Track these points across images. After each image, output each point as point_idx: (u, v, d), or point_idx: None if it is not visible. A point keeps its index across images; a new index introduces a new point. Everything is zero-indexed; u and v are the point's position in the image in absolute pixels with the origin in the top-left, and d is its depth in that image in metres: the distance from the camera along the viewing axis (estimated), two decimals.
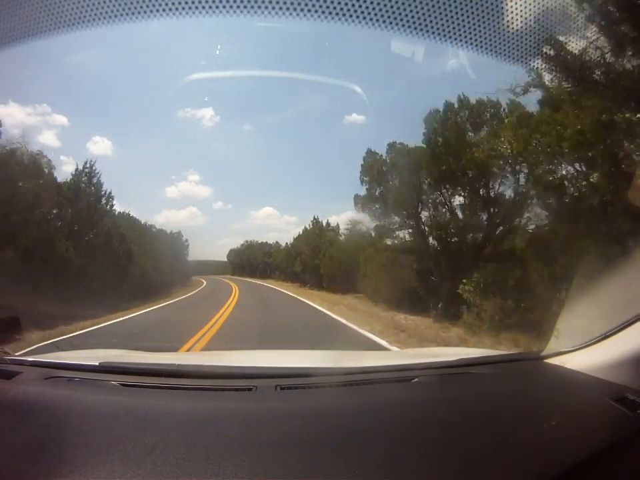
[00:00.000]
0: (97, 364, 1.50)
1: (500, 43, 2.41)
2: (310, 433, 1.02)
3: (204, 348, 5.71)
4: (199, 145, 44.76)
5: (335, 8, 2.12)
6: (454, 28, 2.27)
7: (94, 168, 15.91)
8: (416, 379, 1.43)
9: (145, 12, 2.17)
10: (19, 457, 0.91)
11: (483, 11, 2.30)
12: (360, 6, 2.14)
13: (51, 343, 5.99)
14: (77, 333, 7.53)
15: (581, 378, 1.36)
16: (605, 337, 1.36)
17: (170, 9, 2.13)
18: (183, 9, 2.12)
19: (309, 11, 2.13)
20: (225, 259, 54.82)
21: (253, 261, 45.17)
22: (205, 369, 1.63)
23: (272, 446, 0.95)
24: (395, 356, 2.80)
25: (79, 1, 2.15)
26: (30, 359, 1.60)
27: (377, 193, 13.28)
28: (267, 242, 42.49)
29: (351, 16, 2.15)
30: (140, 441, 0.96)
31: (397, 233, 12.71)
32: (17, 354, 1.77)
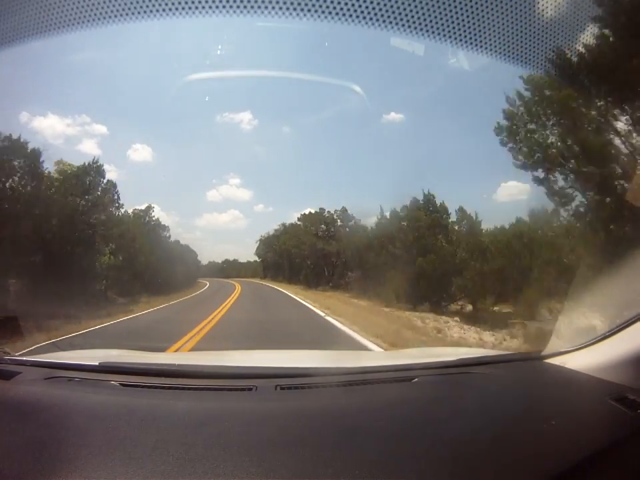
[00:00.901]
0: (97, 364, 1.50)
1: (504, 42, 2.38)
2: (310, 433, 1.02)
3: None
4: (239, 149, 45.57)
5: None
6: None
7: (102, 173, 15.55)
8: (416, 379, 1.42)
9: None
10: (19, 456, 0.91)
11: (484, 11, 2.29)
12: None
13: (51, 342, 5.98)
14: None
15: (581, 378, 1.36)
16: (605, 337, 1.36)
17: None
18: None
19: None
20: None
21: (294, 253, 27.89)
22: (205, 368, 1.63)
23: (272, 446, 0.95)
24: (394, 356, 2.79)
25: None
26: (30, 359, 1.61)
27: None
28: (323, 209, 27.62)
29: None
30: (140, 441, 0.96)
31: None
32: (17, 354, 1.77)
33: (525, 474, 0.90)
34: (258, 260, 43.40)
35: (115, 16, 2.20)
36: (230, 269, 51.10)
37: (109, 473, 0.85)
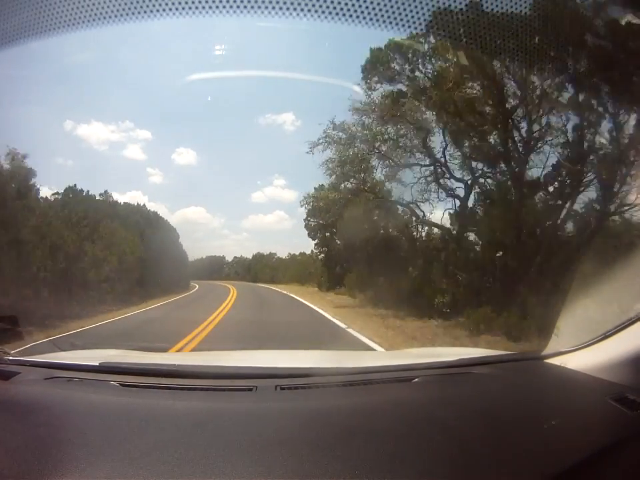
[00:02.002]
0: (97, 364, 1.50)
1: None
2: (310, 433, 1.02)
3: None
4: (283, 150, 43.63)
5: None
6: None
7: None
8: (416, 379, 1.42)
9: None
10: (19, 456, 0.91)
11: None
12: None
13: (49, 341, 5.97)
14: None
15: (581, 378, 1.36)
16: (605, 336, 1.36)
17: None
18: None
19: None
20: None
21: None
22: (205, 369, 1.63)
23: (272, 446, 0.94)
24: (395, 356, 2.79)
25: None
26: (30, 359, 1.60)
27: None
28: None
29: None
30: (140, 441, 0.95)
31: None
32: (13, 352, 1.77)
33: (525, 474, 0.90)
34: (316, 251, 21.24)
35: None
36: (261, 268, 37.47)
37: (109, 472, 0.85)
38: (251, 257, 41.91)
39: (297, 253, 29.88)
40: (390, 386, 1.43)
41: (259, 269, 37.99)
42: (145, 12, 2.19)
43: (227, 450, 0.92)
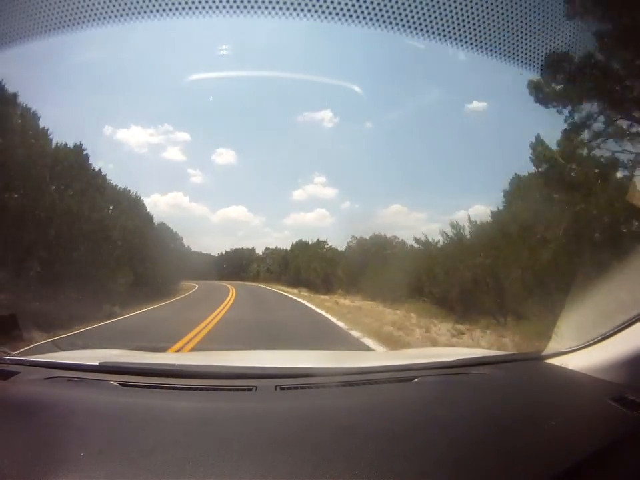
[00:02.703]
0: (97, 364, 1.50)
1: (500, 43, 2.41)
2: (310, 433, 1.02)
3: None
4: (322, 147, 44.42)
5: None
6: None
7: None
8: (416, 379, 1.42)
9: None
10: (19, 456, 0.91)
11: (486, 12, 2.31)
12: None
13: (50, 341, 5.96)
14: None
15: (581, 378, 1.36)
16: (605, 337, 1.36)
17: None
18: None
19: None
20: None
21: None
22: (205, 369, 1.63)
23: (272, 446, 0.94)
24: (394, 356, 2.79)
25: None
26: (30, 358, 1.60)
27: None
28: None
29: None
30: (140, 441, 0.95)
31: None
32: (14, 353, 1.77)
33: (524, 474, 0.90)
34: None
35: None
36: (306, 263, 24.29)
37: (109, 472, 0.85)
38: (289, 247, 31.59)
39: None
40: (390, 386, 1.43)
41: (303, 264, 24.67)
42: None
43: (227, 450, 0.92)
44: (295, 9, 2.16)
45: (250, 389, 1.31)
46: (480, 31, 2.34)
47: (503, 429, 1.09)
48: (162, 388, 1.32)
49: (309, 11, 2.16)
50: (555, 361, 1.52)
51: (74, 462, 0.87)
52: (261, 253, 43.67)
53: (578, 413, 1.19)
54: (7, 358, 1.57)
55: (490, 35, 2.35)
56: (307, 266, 23.85)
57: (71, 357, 1.91)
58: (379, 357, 2.87)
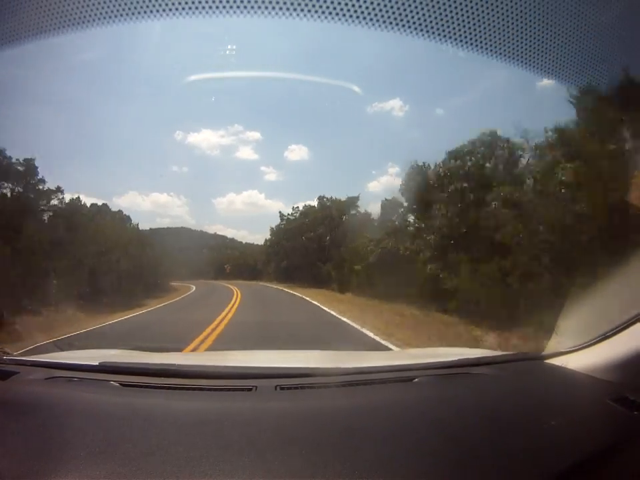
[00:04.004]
0: (97, 364, 1.50)
1: (495, 41, 2.40)
2: (310, 433, 1.02)
3: None
4: (393, 137, 41.91)
5: None
6: None
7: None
8: (416, 379, 1.42)
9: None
10: (19, 456, 0.91)
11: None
12: None
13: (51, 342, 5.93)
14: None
15: (581, 378, 1.36)
16: (605, 337, 1.36)
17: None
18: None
19: None
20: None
21: None
22: (205, 369, 1.63)
23: (272, 446, 0.94)
24: (395, 356, 2.79)
25: None
26: (30, 358, 1.61)
27: None
28: None
29: None
30: (140, 441, 0.95)
31: None
32: (14, 353, 1.77)
33: (525, 474, 0.90)
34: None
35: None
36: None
37: (109, 473, 0.85)
38: None
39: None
40: (390, 386, 1.43)
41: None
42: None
43: (227, 450, 0.92)
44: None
45: (250, 389, 1.31)
46: (487, 32, 2.32)
47: (503, 428, 1.09)
48: (162, 388, 1.32)
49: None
50: (555, 361, 1.52)
51: (74, 462, 0.87)
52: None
53: (578, 413, 1.19)
54: (7, 358, 1.57)
55: (494, 35, 2.34)
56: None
57: (71, 357, 1.91)
58: (379, 356, 2.86)
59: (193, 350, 5.53)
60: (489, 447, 0.99)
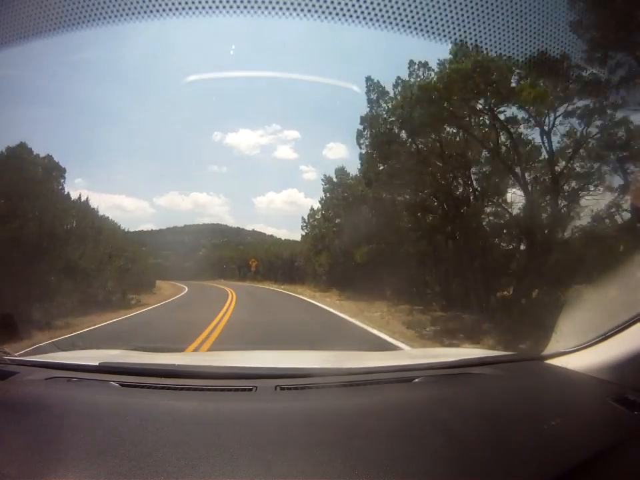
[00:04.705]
0: (97, 364, 1.50)
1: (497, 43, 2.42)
2: (310, 433, 1.01)
3: None
4: None
5: None
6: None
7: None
8: (416, 380, 1.42)
9: None
10: (19, 456, 0.91)
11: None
12: None
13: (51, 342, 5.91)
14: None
15: (581, 378, 1.36)
16: (605, 337, 1.36)
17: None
18: None
19: None
20: None
21: None
22: (205, 369, 1.63)
23: (272, 446, 0.94)
24: (395, 356, 2.79)
25: None
26: (30, 359, 1.61)
27: None
28: None
29: None
30: (140, 441, 0.95)
31: None
32: (14, 353, 1.77)
33: (525, 474, 0.90)
34: None
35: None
36: None
37: (109, 473, 0.85)
38: None
39: None
40: (390, 386, 1.43)
41: None
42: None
43: (226, 450, 0.92)
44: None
45: (250, 389, 1.31)
46: (480, 30, 2.34)
47: (504, 428, 1.09)
48: (162, 388, 1.32)
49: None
50: (555, 361, 1.52)
51: (74, 462, 0.87)
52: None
53: (578, 413, 1.19)
54: (7, 358, 1.57)
55: (490, 33, 2.35)
56: None
57: (71, 357, 1.91)
58: (379, 357, 2.86)
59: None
60: (489, 447, 0.99)
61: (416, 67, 9.65)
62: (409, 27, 2.25)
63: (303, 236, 25.16)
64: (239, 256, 40.12)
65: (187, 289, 22.94)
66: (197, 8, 2.18)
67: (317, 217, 23.26)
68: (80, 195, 15.45)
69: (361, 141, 11.38)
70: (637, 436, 1.04)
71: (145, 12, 2.22)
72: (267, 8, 2.17)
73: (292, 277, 27.46)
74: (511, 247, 10.15)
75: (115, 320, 9.68)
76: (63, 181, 13.92)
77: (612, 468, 0.96)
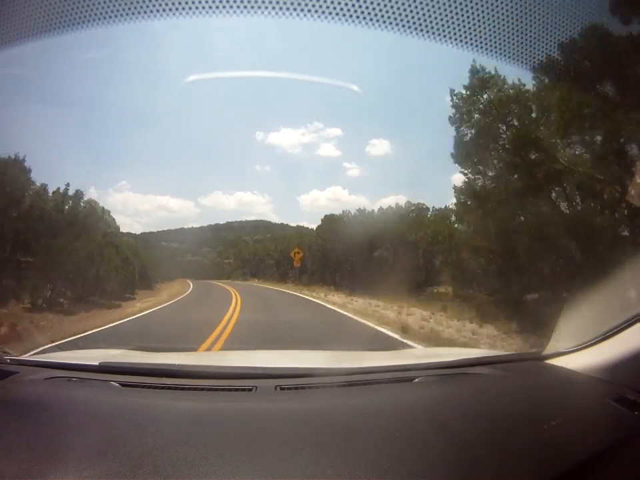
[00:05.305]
0: (97, 364, 1.50)
1: (500, 44, 2.41)
2: (310, 433, 1.02)
3: None
4: None
5: None
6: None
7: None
8: (416, 380, 1.42)
9: None
10: (19, 456, 0.91)
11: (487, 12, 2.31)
12: None
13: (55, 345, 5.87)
14: None
15: (581, 378, 1.36)
16: (605, 337, 1.36)
17: None
18: None
19: None
20: None
21: None
22: (205, 369, 1.63)
23: (272, 446, 0.94)
24: (395, 356, 2.79)
25: None
26: (30, 359, 1.61)
27: None
28: None
29: None
30: (140, 441, 0.95)
31: None
32: (14, 353, 1.77)
33: (525, 474, 0.90)
34: None
35: None
36: None
37: (109, 472, 0.85)
38: None
39: None
40: (390, 386, 1.43)
41: None
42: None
43: (227, 450, 0.92)
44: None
45: (250, 389, 1.31)
46: (483, 31, 2.33)
47: (504, 428, 1.09)
48: (162, 388, 1.32)
49: None
50: (555, 361, 1.52)
51: (74, 462, 0.87)
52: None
53: (578, 413, 1.19)
54: (7, 358, 1.57)
55: (493, 35, 2.34)
56: None
57: (71, 357, 1.91)
58: (379, 357, 2.86)
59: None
60: (489, 446, 0.99)
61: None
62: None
63: None
64: (279, 248, 29.41)
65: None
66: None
67: None
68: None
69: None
70: (637, 436, 1.04)
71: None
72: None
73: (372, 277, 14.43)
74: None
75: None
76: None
77: (612, 468, 0.96)
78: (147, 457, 0.89)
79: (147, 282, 19.39)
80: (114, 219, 19.67)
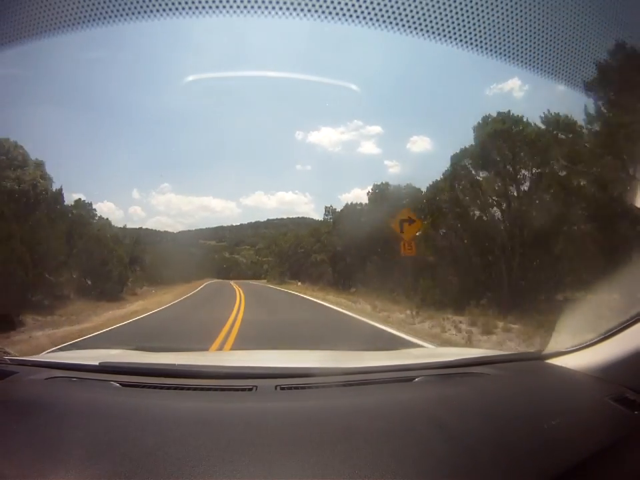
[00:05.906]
0: (97, 364, 1.50)
1: (500, 44, 2.41)
2: (310, 433, 1.01)
3: None
4: None
5: None
6: None
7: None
8: (416, 379, 1.42)
9: None
10: (19, 456, 0.91)
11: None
12: None
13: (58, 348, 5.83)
14: None
15: (581, 378, 1.36)
16: (605, 337, 1.36)
17: None
18: None
19: None
20: None
21: None
22: (205, 368, 1.63)
23: (272, 446, 0.94)
24: (395, 356, 2.79)
25: None
26: (30, 359, 1.61)
27: None
28: None
29: None
30: (140, 441, 0.95)
31: None
32: (14, 353, 1.77)
33: (525, 474, 0.90)
34: None
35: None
36: None
37: (109, 472, 0.85)
38: None
39: None
40: (390, 386, 1.43)
41: None
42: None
43: (227, 450, 0.92)
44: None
45: (250, 389, 1.31)
46: (483, 31, 2.32)
47: (504, 428, 1.09)
48: (162, 388, 1.32)
49: None
50: (555, 361, 1.52)
51: (74, 462, 0.87)
52: None
53: (578, 413, 1.19)
54: (7, 358, 1.57)
55: (493, 34, 2.34)
56: None
57: (71, 357, 1.92)
58: (379, 356, 2.85)
59: None
60: (489, 446, 0.99)
61: None
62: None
63: None
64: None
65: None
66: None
67: None
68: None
69: None
70: (637, 436, 1.04)
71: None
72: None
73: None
74: None
75: None
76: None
77: (612, 468, 0.96)
78: (147, 457, 0.89)
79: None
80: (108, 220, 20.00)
